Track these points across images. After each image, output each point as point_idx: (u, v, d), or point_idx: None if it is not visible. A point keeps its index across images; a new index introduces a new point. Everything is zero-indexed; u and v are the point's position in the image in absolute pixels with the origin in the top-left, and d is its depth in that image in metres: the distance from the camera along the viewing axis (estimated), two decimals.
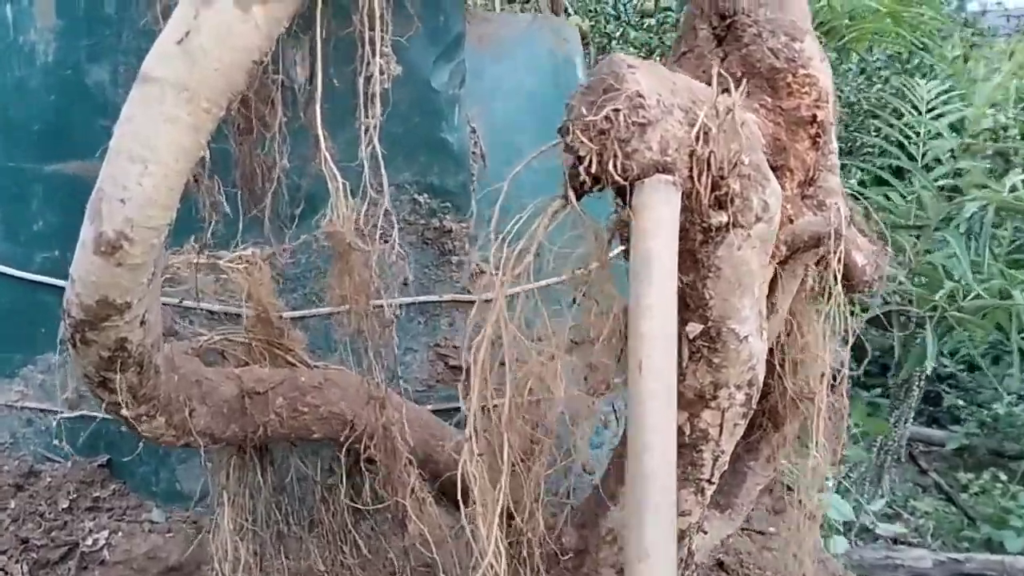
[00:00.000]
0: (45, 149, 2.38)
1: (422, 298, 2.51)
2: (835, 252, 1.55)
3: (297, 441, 2.07)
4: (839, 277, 1.55)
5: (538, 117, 2.70)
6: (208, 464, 2.19)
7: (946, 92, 4.77)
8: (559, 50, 2.87)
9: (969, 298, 4.30)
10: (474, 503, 1.57)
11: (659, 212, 1.32)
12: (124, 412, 1.62)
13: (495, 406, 1.61)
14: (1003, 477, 6.21)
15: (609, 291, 1.53)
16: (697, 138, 1.34)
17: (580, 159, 1.35)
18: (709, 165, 1.36)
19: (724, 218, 1.40)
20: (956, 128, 4.87)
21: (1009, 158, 4.81)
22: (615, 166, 1.31)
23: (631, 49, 6.51)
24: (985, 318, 4.35)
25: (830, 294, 1.56)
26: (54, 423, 2.48)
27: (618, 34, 5.89)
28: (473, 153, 2.50)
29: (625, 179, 1.31)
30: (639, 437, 1.27)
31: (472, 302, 2.71)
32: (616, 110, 1.30)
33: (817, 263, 1.64)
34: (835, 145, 1.58)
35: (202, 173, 1.38)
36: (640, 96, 1.30)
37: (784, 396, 1.76)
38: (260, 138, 1.52)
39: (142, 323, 1.47)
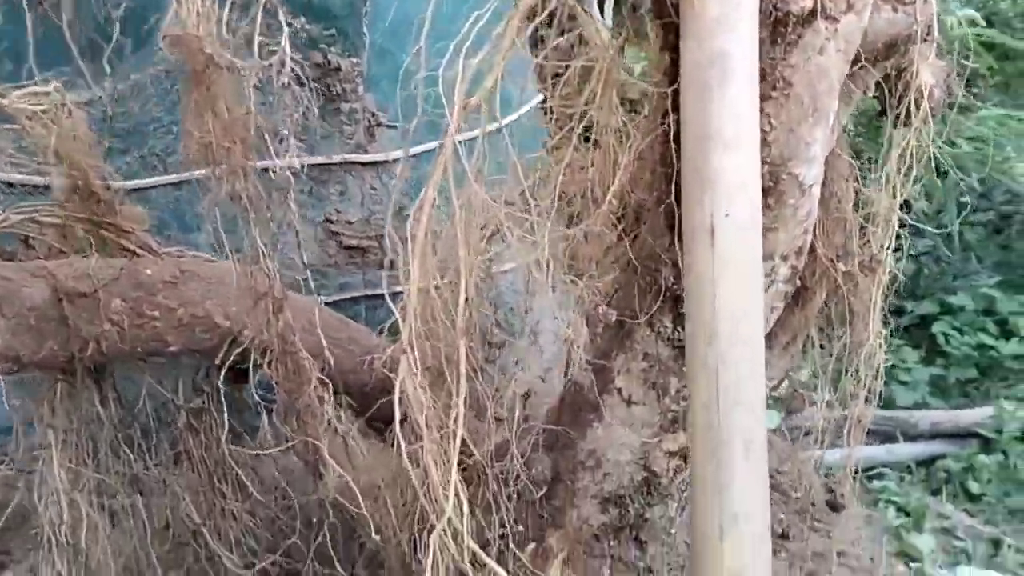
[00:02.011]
0: None
1: (306, 159, 1.91)
2: (916, 64, 1.11)
3: (147, 357, 1.51)
4: (924, 100, 1.11)
5: None
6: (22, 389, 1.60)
7: None
8: None
9: None
10: (419, 437, 1.10)
11: None
12: None
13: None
14: (882, 331, 6.28)
15: (616, 124, 1.04)
16: None
17: None
18: None
19: (807, 2, 0.91)
20: None
21: None
22: None
23: None
24: None
25: (908, 124, 1.12)
26: None
27: None
28: None
29: None
30: (712, 348, 0.81)
31: (371, 164, 2.15)
32: None
33: (882, 79, 1.19)
34: None
35: None
36: None
37: (813, 264, 1.34)
38: None
39: None
